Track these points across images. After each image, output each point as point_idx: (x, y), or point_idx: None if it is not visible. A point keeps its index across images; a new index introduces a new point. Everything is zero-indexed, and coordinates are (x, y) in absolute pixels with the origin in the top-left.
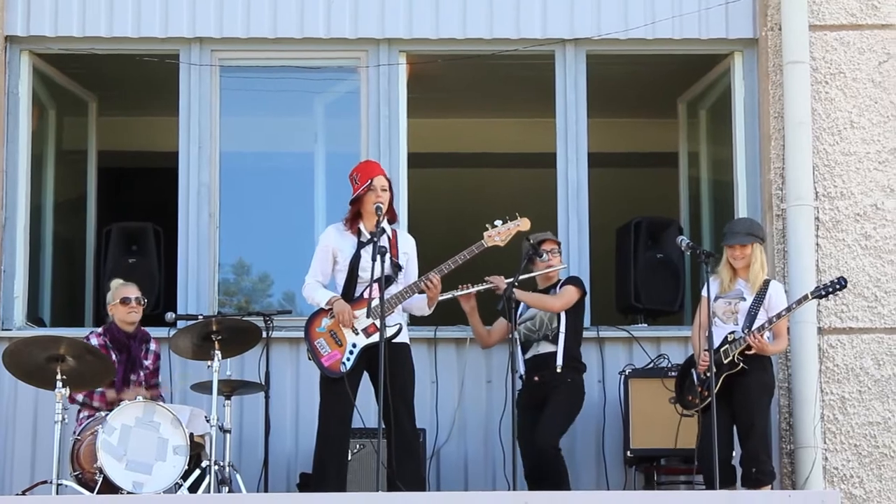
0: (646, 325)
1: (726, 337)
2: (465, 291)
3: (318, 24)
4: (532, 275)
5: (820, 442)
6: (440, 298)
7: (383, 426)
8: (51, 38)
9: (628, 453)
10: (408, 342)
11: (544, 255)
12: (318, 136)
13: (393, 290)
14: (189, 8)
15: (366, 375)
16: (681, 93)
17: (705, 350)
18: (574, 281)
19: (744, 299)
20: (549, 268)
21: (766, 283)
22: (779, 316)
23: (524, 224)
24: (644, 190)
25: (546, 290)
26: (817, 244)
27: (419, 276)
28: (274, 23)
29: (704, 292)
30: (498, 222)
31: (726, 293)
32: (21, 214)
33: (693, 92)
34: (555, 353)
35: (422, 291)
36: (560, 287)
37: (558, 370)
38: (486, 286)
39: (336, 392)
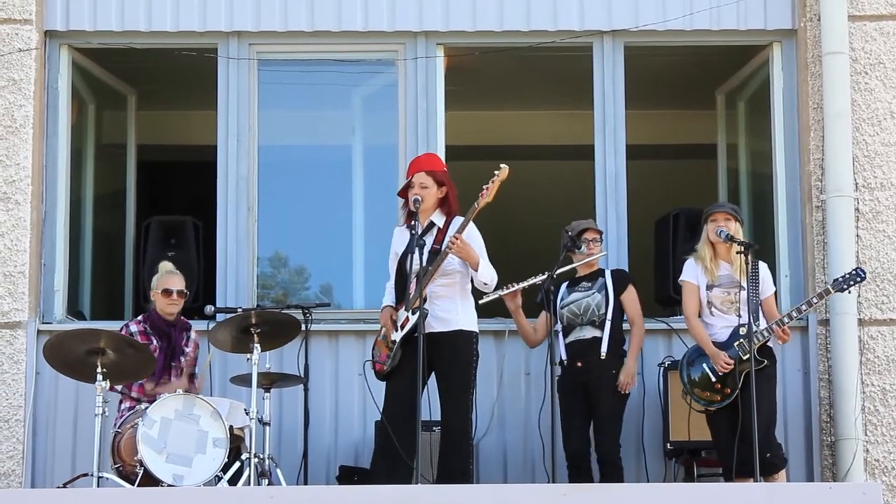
0: None
1: (737, 330)
2: (509, 290)
3: (355, 18)
4: (571, 266)
5: (861, 434)
6: (486, 299)
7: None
8: (90, 32)
9: (668, 445)
10: (466, 329)
11: (582, 246)
12: (356, 129)
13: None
14: (227, 2)
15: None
16: (719, 84)
17: (720, 349)
18: (630, 281)
19: (742, 288)
20: (590, 256)
21: (756, 266)
22: (798, 311)
23: (504, 173)
24: (682, 182)
25: (587, 278)
26: (857, 235)
27: (481, 256)
28: (311, 16)
29: (688, 278)
30: (490, 181)
31: (719, 281)
32: (61, 208)
33: (731, 83)
34: (599, 339)
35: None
36: (620, 290)
37: (602, 357)
38: (526, 284)
39: (387, 390)
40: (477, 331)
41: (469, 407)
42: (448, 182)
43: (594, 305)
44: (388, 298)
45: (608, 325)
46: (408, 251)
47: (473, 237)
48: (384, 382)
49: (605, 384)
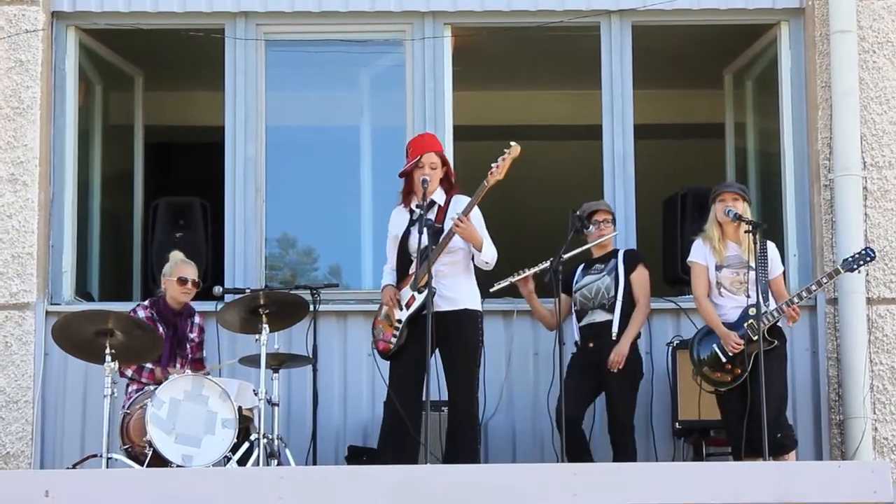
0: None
1: (747, 311)
2: (520, 276)
3: None
4: (582, 249)
5: (870, 412)
6: (497, 287)
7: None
8: (97, 13)
9: (677, 425)
10: (472, 308)
11: (591, 227)
12: (364, 109)
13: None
14: None
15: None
16: (727, 63)
17: (729, 329)
18: (641, 260)
19: (751, 268)
20: (601, 237)
21: (764, 246)
22: (808, 291)
23: (515, 151)
24: (690, 161)
25: (601, 260)
26: (865, 214)
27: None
28: None
29: (696, 259)
30: (500, 158)
31: (727, 261)
32: (69, 190)
33: (739, 62)
34: (610, 322)
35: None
36: (630, 271)
37: (613, 338)
38: (537, 270)
39: (392, 370)
40: (481, 310)
41: (476, 387)
42: (448, 161)
43: (604, 289)
44: (389, 278)
45: (618, 307)
46: (409, 230)
47: (474, 214)
48: (388, 362)
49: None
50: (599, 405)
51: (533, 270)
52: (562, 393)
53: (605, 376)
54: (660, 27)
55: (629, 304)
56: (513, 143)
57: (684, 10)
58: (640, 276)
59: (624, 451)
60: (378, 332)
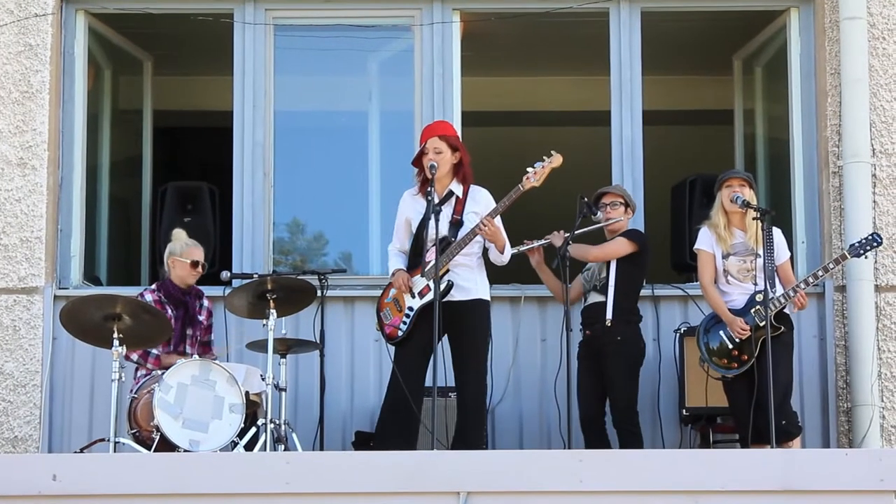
0: None
1: (754, 297)
2: (526, 247)
3: None
4: (590, 229)
5: (877, 400)
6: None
7: (428, 386)
8: None
9: (684, 412)
10: (484, 298)
11: (598, 213)
12: (373, 94)
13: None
14: None
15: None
16: (736, 49)
17: (736, 316)
18: (629, 234)
19: (758, 255)
20: (608, 220)
21: (770, 232)
22: (815, 276)
23: (556, 160)
24: (699, 147)
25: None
26: (874, 201)
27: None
28: None
29: (703, 246)
30: (538, 164)
31: (734, 249)
32: (77, 174)
33: (749, 48)
34: (604, 304)
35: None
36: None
37: (608, 324)
38: (545, 242)
39: (398, 356)
40: (490, 300)
41: (485, 376)
42: (462, 147)
43: (596, 269)
44: (399, 261)
45: (611, 289)
46: (426, 218)
47: (482, 202)
48: (393, 347)
49: (613, 350)
50: None
51: (540, 243)
52: (568, 387)
53: (605, 363)
54: (669, 13)
55: (625, 287)
56: (554, 153)
57: None
58: (618, 241)
59: (628, 437)
60: (384, 314)
